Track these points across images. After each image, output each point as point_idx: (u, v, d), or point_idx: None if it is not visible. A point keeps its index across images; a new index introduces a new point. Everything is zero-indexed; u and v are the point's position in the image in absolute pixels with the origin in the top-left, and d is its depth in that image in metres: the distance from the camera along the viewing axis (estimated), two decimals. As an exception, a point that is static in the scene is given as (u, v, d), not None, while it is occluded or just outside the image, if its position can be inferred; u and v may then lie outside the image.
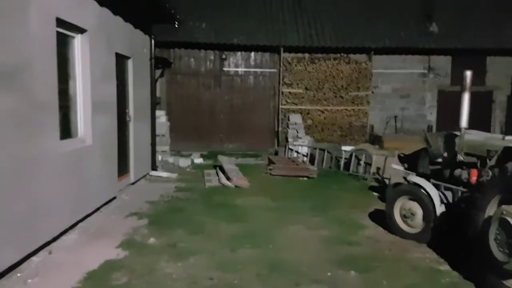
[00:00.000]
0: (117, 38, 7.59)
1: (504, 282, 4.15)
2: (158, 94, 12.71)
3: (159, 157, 10.65)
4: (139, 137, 8.98)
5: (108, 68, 7.15)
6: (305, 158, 11.98)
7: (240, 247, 5.38)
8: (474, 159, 5.38)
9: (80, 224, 6.03)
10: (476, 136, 5.63)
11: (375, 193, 8.65)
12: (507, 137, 5.33)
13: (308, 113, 13.70)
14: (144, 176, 9.43)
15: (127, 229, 5.94)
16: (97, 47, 6.57)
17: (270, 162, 10.97)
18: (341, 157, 11.00)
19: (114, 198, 7.42)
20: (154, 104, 10.21)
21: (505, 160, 4.37)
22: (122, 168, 8.08)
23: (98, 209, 6.71)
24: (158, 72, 12.07)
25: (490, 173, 4.54)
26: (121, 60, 8.03)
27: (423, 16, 14.21)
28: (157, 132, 10.40)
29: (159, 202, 7.52)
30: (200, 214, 6.79)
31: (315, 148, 11.74)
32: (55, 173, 5.24)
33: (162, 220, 6.41)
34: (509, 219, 4.06)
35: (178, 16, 9.50)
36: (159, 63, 11.97)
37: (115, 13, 7.35)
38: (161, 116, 11.43)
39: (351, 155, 10.73)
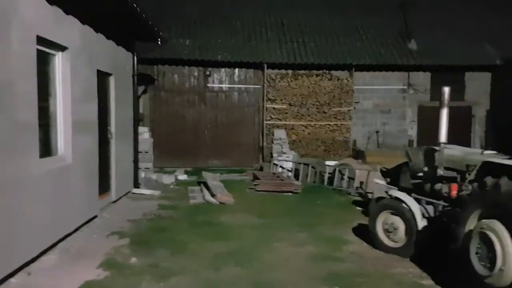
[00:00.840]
0: (99, 55, 7.55)
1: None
2: (141, 110, 12.65)
3: (142, 174, 10.54)
4: (121, 155, 8.89)
5: (89, 85, 7.09)
6: (289, 173, 12.01)
7: (225, 266, 5.32)
8: (454, 174, 5.47)
9: (60, 244, 5.89)
10: (455, 151, 5.73)
11: (358, 208, 8.69)
12: (486, 152, 5.44)
13: (292, 129, 13.79)
14: (126, 194, 9.29)
15: (108, 249, 5.82)
16: (79, 65, 6.53)
17: (255, 177, 10.96)
18: (325, 172, 11.07)
19: (95, 217, 7.29)
20: (137, 120, 10.15)
21: (484, 175, 4.44)
22: (104, 186, 7.96)
23: (78, 228, 6.56)
24: (141, 89, 12.03)
25: (470, 187, 4.60)
26: (103, 77, 7.98)
27: (402, 34, 14.55)
28: (140, 149, 10.32)
29: (141, 220, 7.41)
30: (184, 233, 6.71)
31: (300, 163, 11.79)
32: (34, 191, 5.13)
33: (144, 239, 6.31)
34: (489, 233, 4.12)
35: (161, 33, 9.53)
36: (142, 80, 11.93)
37: (97, 30, 7.34)
38: (144, 133, 11.35)
39: (334, 170, 10.81)
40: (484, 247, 4.17)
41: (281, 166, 12.36)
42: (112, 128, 8.52)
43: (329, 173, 10.98)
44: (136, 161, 9.88)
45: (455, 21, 14.65)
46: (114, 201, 8.50)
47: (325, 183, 10.91)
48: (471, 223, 4.48)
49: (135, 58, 9.80)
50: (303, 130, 13.84)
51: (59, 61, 6.08)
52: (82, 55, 6.67)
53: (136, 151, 9.93)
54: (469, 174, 4.92)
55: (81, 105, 6.62)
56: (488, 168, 4.50)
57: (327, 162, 11.78)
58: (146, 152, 11.11)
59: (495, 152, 5.56)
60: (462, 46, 13.99)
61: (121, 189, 8.85)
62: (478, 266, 4.22)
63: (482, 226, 4.22)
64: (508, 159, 4.68)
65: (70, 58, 6.21)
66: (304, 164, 11.64)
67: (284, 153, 12.70)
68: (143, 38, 9.78)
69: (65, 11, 5.97)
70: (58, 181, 5.84)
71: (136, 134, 9.98)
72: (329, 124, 13.85)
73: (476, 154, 5.45)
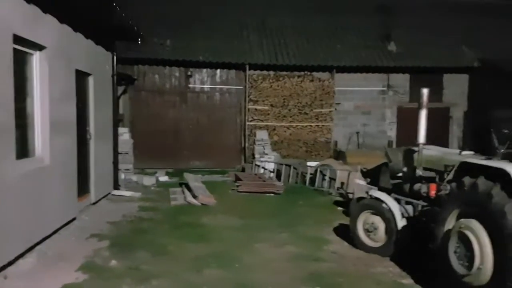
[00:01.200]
0: (78, 54, 7.43)
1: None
2: (121, 111, 12.48)
3: (122, 176, 10.40)
4: (100, 156, 8.75)
5: (67, 85, 6.96)
6: (271, 174, 12.04)
7: (206, 267, 5.28)
8: (432, 174, 5.56)
9: (38, 247, 5.75)
10: (434, 151, 5.83)
11: (339, 208, 8.76)
12: (464, 152, 5.55)
13: (274, 129, 13.82)
14: (106, 195, 9.15)
15: (88, 252, 5.72)
16: (57, 64, 6.39)
17: (237, 178, 10.94)
18: (306, 173, 11.14)
19: (74, 219, 7.15)
20: (117, 121, 10.02)
21: (462, 175, 4.53)
22: (83, 187, 7.83)
23: (57, 231, 6.43)
24: (121, 89, 11.87)
25: (448, 187, 4.68)
26: (82, 77, 7.85)
27: (382, 36, 14.75)
28: (120, 150, 10.18)
29: (121, 222, 7.30)
30: (165, 235, 6.64)
31: (282, 164, 11.83)
32: (11, 193, 5.00)
33: (125, 242, 6.22)
34: (467, 232, 4.19)
35: (141, 33, 9.42)
36: (122, 80, 11.79)
37: (75, 29, 7.21)
38: (124, 134, 11.20)
39: (316, 171, 10.89)
40: (462, 246, 4.24)
41: (263, 167, 12.38)
42: (91, 128, 8.39)
43: (310, 174, 11.05)
44: (116, 162, 9.74)
45: (433, 24, 14.92)
46: (94, 203, 8.36)
47: (307, 183, 10.98)
48: (450, 223, 4.56)
49: (115, 57, 9.67)
50: (285, 131, 13.89)
51: (36, 60, 5.96)
52: (60, 55, 6.54)
53: (115, 152, 9.79)
54: (447, 174, 5.00)
55: (59, 106, 6.49)
56: (465, 168, 4.57)
57: (309, 163, 11.86)
58: (126, 153, 10.96)
59: (472, 152, 5.68)
60: (440, 48, 14.26)
61: (100, 191, 8.71)
62: (457, 265, 4.29)
63: (460, 226, 4.30)
64: (485, 159, 4.78)
65: (48, 58, 6.08)
66: (286, 165, 11.69)
67: (266, 154, 12.72)
68: (122, 37, 9.66)
69: (43, 9, 5.85)
70: (35, 183, 5.71)
71: (115, 135, 9.84)
72: (310, 125, 13.93)
73: (454, 154, 5.55)
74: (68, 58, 6.91)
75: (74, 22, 7.04)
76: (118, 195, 9.40)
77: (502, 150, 5.21)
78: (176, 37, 13.89)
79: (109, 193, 9.33)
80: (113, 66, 9.63)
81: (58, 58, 6.46)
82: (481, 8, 15.62)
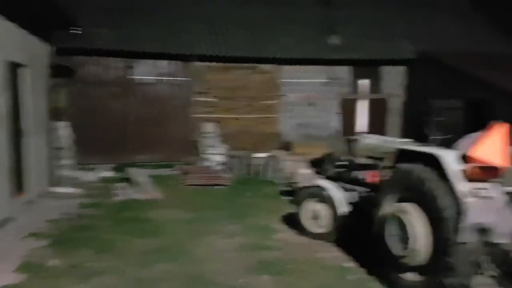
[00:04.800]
0: (10, 45, 6.97)
1: (403, 275, 4.51)
2: (59, 104, 11.89)
3: (61, 172, 9.94)
4: (36, 151, 8.30)
5: (-2, 76, 6.53)
6: (220, 167, 12.00)
7: (154, 262, 5.19)
8: (372, 161, 5.80)
9: (-31, 249, 5.40)
10: (373, 140, 6.07)
11: (287, 197, 8.92)
12: (401, 140, 5.84)
13: (222, 122, 13.75)
14: (44, 193, 8.72)
15: (25, 251, 5.44)
16: (-16, 54, 5.97)
17: (185, 172, 10.80)
18: (255, 164, 11.23)
19: (9, 218, 6.75)
20: (54, 114, 9.54)
21: (399, 161, 4.75)
22: (17, 185, 7.41)
23: (-11, 232, 6.05)
24: (58, 81, 11.27)
25: (387, 173, 4.90)
26: (14, 68, 7.38)
27: (325, 29, 15.08)
28: (59, 144, 9.73)
29: (61, 220, 6.99)
30: (109, 231, 6.44)
31: (230, 156, 11.83)
32: None
33: (65, 240, 5.97)
34: (404, 215, 4.42)
35: (79, 23, 9.00)
36: (60, 71, 11.19)
37: (7, 18, 6.75)
38: (63, 128, 10.67)
39: (264, 162, 11.02)
40: (399, 229, 4.47)
41: (211, 160, 12.30)
42: (26, 123, 7.93)
43: (258, 165, 11.16)
44: (54, 158, 9.30)
45: (373, 17, 15.48)
46: (31, 201, 7.93)
47: (255, 175, 11.08)
48: (388, 207, 4.78)
49: (51, 48, 9.19)
50: (233, 123, 13.87)
51: (-40, 49, 5.53)
52: (-12, 44, 6.11)
53: (53, 147, 9.34)
54: (386, 161, 5.23)
55: (-11, 98, 6.07)
56: (402, 155, 4.80)
57: (257, 155, 11.96)
58: (65, 148, 10.46)
59: (409, 140, 5.99)
60: (379, 41, 14.80)
61: (38, 188, 8.30)
62: (394, 247, 4.52)
63: (397, 209, 4.52)
64: (420, 146, 5.05)
65: (-26, 47, 5.66)
66: (234, 157, 11.72)
67: (214, 146, 12.65)
68: (59, 27, 9.19)
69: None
70: (-37, 182, 5.32)
71: (53, 129, 9.38)
72: (258, 117, 14.02)
73: (392, 142, 5.82)
74: (-2, 48, 6.48)
75: (6, 11, 6.60)
76: (57, 192, 8.97)
77: (436, 137, 5.53)
78: (117, 26, 13.36)
79: (47, 190, 8.89)
80: (49, 57, 9.15)
81: (-14, 47, 6.03)
82: (419, 2, 16.39)
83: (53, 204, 8.09)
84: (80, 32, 9.55)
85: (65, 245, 5.72)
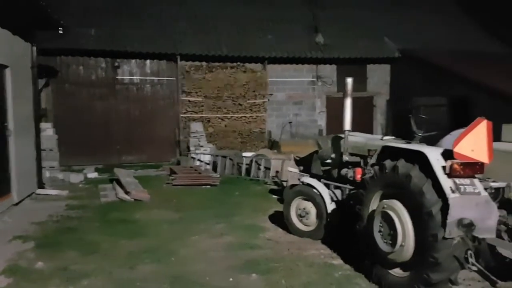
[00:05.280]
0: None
1: (390, 271, 4.56)
2: (43, 105, 11.75)
3: (47, 174, 9.82)
4: (22, 153, 8.18)
5: (-20, 78, 6.42)
6: (207, 166, 11.97)
7: (140, 263, 5.17)
8: (357, 159, 5.85)
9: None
10: (358, 137, 6.11)
11: (274, 196, 8.96)
12: (385, 137, 5.88)
13: (209, 121, 13.73)
14: (30, 195, 8.61)
15: (11, 254, 5.38)
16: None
17: (172, 172, 10.75)
18: (242, 163, 11.24)
19: (-6, 222, 6.66)
20: (39, 116, 9.42)
21: (384, 158, 4.80)
22: (3, 187, 7.31)
23: (-27, 236, 5.95)
24: (42, 82, 11.13)
25: (372, 170, 4.93)
26: (-3, 69, 7.28)
27: (310, 28, 15.15)
28: (44, 146, 9.62)
29: (47, 222, 6.92)
30: (95, 233, 6.39)
31: (217, 156, 11.82)
32: None
33: (51, 242, 5.90)
34: (389, 212, 4.47)
35: (62, 22, 8.89)
36: (44, 72, 11.05)
37: (-13, 17, 6.65)
38: (48, 129, 10.54)
39: (251, 161, 11.03)
40: (386, 226, 4.50)
41: (198, 160, 12.27)
42: (10, 124, 7.82)
43: (246, 164, 11.18)
44: (39, 160, 9.18)
45: (358, 16, 15.61)
46: (16, 203, 7.84)
47: (243, 174, 11.09)
48: (374, 204, 4.82)
49: (35, 48, 9.07)
50: (220, 123, 13.85)
51: None
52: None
53: (39, 149, 9.22)
54: (371, 158, 5.28)
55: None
56: (387, 152, 4.85)
57: (244, 154, 11.98)
58: (51, 149, 10.34)
59: (393, 137, 6.05)
60: (364, 40, 14.97)
61: (23, 190, 8.18)
62: (381, 244, 4.55)
63: (383, 206, 4.56)
64: (405, 143, 5.11)
65: (-45, 48, 5.56)
66: (222, 156, 11.70)
67: (201, 146, 12.61)
68: (42, 27, 9.06)
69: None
70: None
71: (38, 130, 9.26)
72: (245, 116, 14.03)
73: (377, 139, 5.86)
74: (-21, 48, 6.37)
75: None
76: (43, 194, 8.88)
77: (420, 134, 5.59)
78: (101, 26, 13.26)
79: (33, 192, 8.79)
80: (32, 58, 9.03)
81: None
82: (403, 1, 16.58)
83: (39, 206, 8.00)
84: (61, 32, 9.40)
85: (51, 248, 5.66)
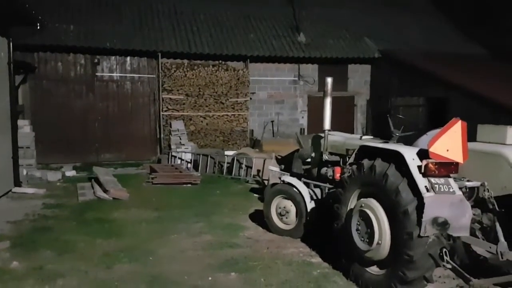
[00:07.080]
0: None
1: (367, 269, 4.62)
2: (20, 102, 11.49)
3: (23, 172, 9.61)
4: (-3, 151, 8.00)
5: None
6: (189, 165, 11.91)
7: (117, 263, 5.11)
8: (337, 158, 5.91)
9: None
10: (338, 136, 6.18)
11: (255, 195, 8.97)
12: (364, 137, 5.96)
13: (191, 119, 13.64)
14: (6, 193, 8.43)
15: (-15, 255, 5.25)
16: None
17: (152, 170, 10.65)
18: (224, 162, 11.21)
19: (-33, 221, 6.49)
20: (15, 113, 9.22)
21: (362, 157, 4.85)
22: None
23: None
24: (19, 78, 10.87)
25: (350, 169, 4.99)
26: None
27: (292, 27, 15.22)
28: (20, 144, 9.40)
29: (23, 221, 6.79)
30: (72, 232, 6.29)
31: (199, 154, 11.76)
32: None
33: (27, 242, 5.79)
34: (367, 210, 4.52)
35: (39, 17, 8.71)
36: (21, 68, 10.81)
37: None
38: (25, 126, 10.29)
39: (233, 160, 11.01)
40: (363, 224, 4.56)
41: (180, 158, 12.19)
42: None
43: (227, 163, 11.15)
44: (15, 158, 8.98)
45: (339, 16, 15.74)
46: (-9, 202, 7.66)
47: (224, 173, 11.06)
48: (352, 203, 4.88)
49: (11, 44, 8.85)
50: (202, 121, 13.78)
51: None
52: None
53: (15, 147, 9.02)
54: (349, 157, 5.33)
55: None
56: (365, 151, 4.91)
57: (226, 152, 11.95)
58: (28, 147, 10.10)
59: (371, 136, 6.13)
60: (345, 40, 15.11)
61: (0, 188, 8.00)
62: (359, 242, 4.60)
63: (360, 205, 4.62)
64: (382, 143, 5.18)
65: None
66: (203, 155, 11.64)
67: (183, 144, 12.54)
68: (19, 22, 8.86)
69: None
70: None
71: (14, 127, 9.06)
72: (227, 115, 13.98)
73: (355, 139, 5.94)
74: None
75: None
76: (19, 193, 8.69)
77: (397, 134, 5.68)
78: (81, 22, 13.04)
79: (9, 191, 8.61)
80: (9, 53, 8.82)
81: None
82: (384, 2, 16.79)
83: (15, 205, 7.84)
84: (39, 27, 9.21)
85: (27, 247, 5.56)
